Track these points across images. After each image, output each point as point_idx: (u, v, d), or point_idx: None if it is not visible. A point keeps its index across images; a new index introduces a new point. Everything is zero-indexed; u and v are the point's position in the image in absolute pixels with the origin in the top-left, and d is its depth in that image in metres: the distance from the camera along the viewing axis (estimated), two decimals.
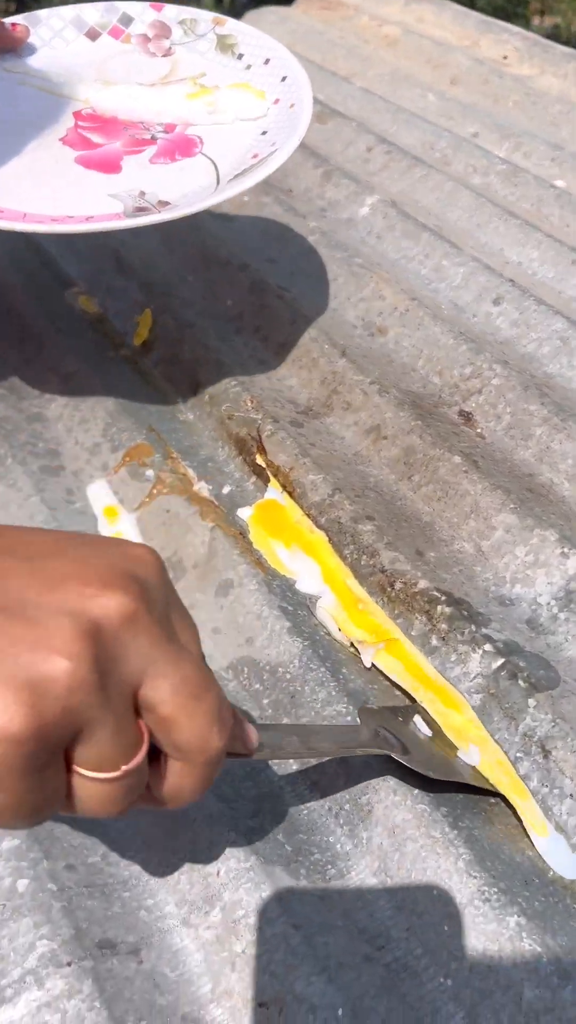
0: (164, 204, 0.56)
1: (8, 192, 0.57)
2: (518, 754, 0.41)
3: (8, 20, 0.68)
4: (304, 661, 0.45)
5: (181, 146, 0.62)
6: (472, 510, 0.52)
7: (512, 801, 0.40)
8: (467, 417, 0.59)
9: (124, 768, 0.27)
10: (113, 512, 0.55)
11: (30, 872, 0.36)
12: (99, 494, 0.56)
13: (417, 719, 0.42)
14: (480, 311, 0.68)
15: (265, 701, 0.44)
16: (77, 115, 0.65)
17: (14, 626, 0.25)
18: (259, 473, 0.56)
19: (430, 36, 1.13)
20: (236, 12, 1.24)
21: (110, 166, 0.60)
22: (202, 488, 0.55)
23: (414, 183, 0.82)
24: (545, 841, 0.39)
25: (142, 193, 0.58)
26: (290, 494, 0.54)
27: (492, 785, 0.40)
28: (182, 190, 0.58)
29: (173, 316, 0.67)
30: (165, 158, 0.61)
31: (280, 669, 0.45)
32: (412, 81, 1.03)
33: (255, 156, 0.59)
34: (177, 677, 0.28)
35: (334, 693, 0.43)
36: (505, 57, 1.07)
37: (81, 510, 0.55)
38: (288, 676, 0.44)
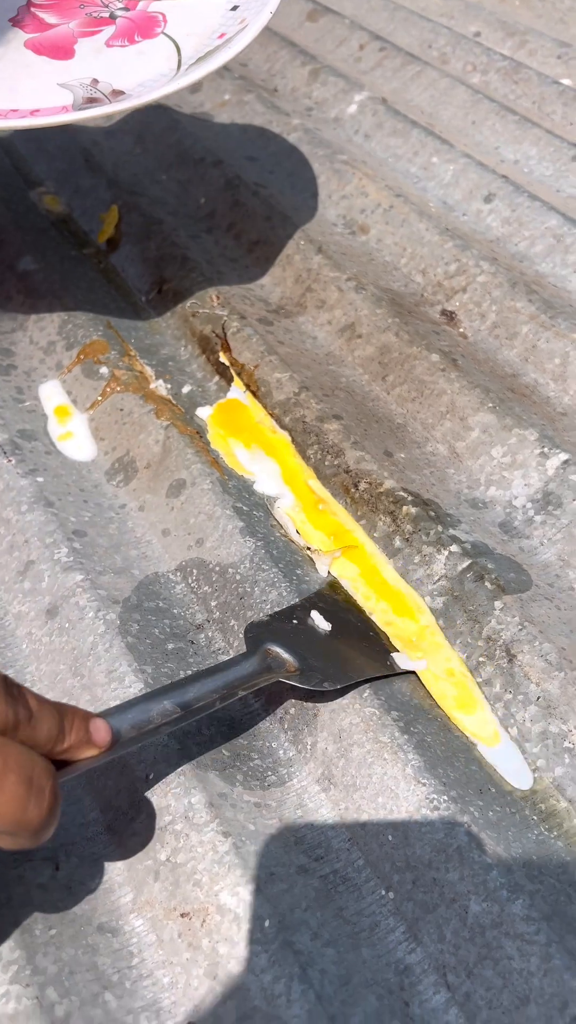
0: (118, 94, 0.51)
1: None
2: (481, 658, 0.38)
3: None
4: (256, 562, 0.41)
5: (142, 26, 0.57)
6: (448, 410, 0.48)
7: (452, 717, 0.37)
8: (450, 316, 0.55)
9: None
10: (65, 411, 0.51)
11: None
12: (51, 393, 0.53)
13: (315, 615, 0.39)
14: (470, 209, 0.63)
15: (213, 603, 0.41)
16: None
17: None
18: (222, 373, 0.53)
19: None
20: None
21: (62, 51, 0.56)
22: (159, 387, 0.51)
23: (407, 81, 0.76)
24: (495, 751, 0.36)
25: (95, 81, 0.53)
26: (254, 393, 0.50)
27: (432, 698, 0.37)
28: (139, 77, 0.53)
29: (142, 214, 0.63)
30: (123, 39, 0.56)
31: (231, 570, 0.42)
32: None
33: (221, 36, 0.53)
34: None
35: (285, 594, 0.40)
36: None
37: (30, 408, 0.51)
38: (238, 577, 0.41)
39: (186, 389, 0.52)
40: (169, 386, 0.51)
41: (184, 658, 0.39)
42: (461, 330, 0.54)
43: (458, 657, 0.38)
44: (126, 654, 0.38)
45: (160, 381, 0.51)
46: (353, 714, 0.35)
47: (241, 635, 0.39)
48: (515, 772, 0.35)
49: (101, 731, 0.30)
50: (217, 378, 0.53)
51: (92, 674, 0.37)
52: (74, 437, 0.50)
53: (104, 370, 0.52)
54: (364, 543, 0.42)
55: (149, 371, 0.52)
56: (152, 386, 0.51)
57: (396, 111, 0.71)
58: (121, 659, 0.37)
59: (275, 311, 0.56)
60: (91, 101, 0.51)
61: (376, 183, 0.63)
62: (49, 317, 0.56)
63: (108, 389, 0.51)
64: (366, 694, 0.36)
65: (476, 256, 0.56)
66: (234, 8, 0.56)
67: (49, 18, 0.57)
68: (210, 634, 0.40)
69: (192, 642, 0.40)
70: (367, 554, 0.42)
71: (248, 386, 0.51)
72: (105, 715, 0.30)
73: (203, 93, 0.76)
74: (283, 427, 0.49)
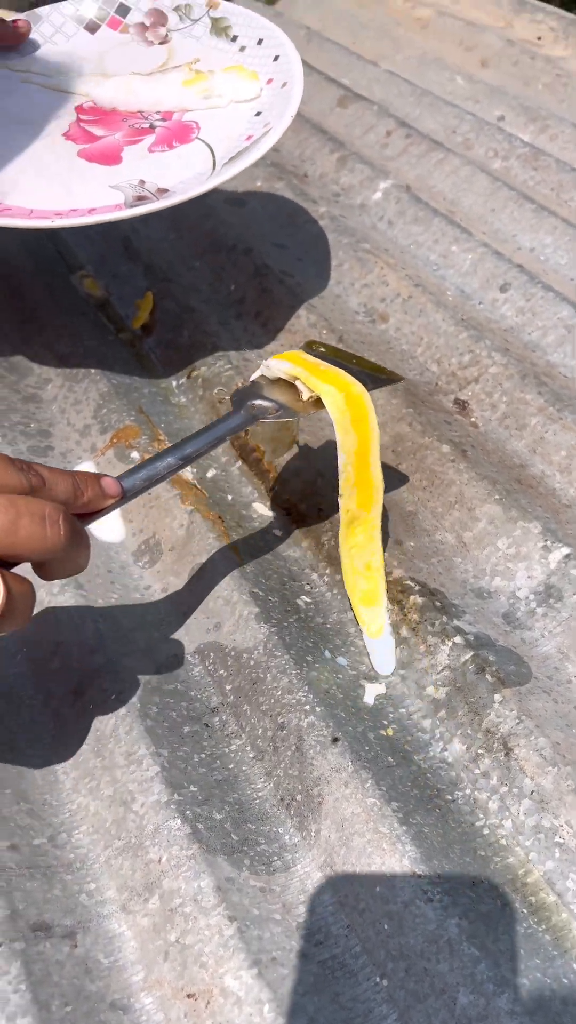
0: (163, 191, 0.57)
1: (15, 189, 0.57)
2: (479, 751, 0.40)
3: (10, 17, 0.68)
4: (269, 648, 0.44)
5: (178, 133, 0.62)
6: (457, 500, 0.51)
7: (354, 605, 0.45)
8: (462, 406, 0.58)
9: None
10: None
11: None
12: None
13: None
14: (486, 298, 0.66)
15: (228, 687, 0.44)
16: (79, 109, 0.65)
17: None
18: (245, 458, 0.56)
19: (463, 17, 1.10)
20: None
21: (111, 158, 0.61)
22: (185, 471, 0.54)
23: (431, 168, 0.80)
24: (375, 641, 0.44)
25: (142, 182, 0.58)
26: (271, 479, 0.53)
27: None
28: (180, 176, 0.58)
29: (175, 300, 0.66)
30: (163, 146, 0.61)
31: (245, 655, 0.44)
32: (441, 64, 1.01)
33: (249, 137, 0.58)
34: None
35: (295, 681, 0.42)
36: (539, 38, 1.04)
37: None
38: (252, 663, 0.44)
39: (210, 473, 0.55)
40: (195, 471, 0.54)
41: (199, 741, 0.41)
42: (472, 419, 0.57)
43: (381, 554, 0.45)
44: (144, 737, 0.40)
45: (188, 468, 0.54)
46: (355, 804, 0.37)
47: (253, 720, 0.42)
48: (382, 661, 0.44)
49: (112, 485, 0.38)
50: (240, 463, 0.56)
51: (112, 756, 0.40)
52: (105, 519, 0.53)
53: (135, 455, 0.55)
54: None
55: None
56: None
57: (418, 199, 0.74)
58: (140, 742, 0.40)
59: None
60: (140, 199, 0.56)
61: (397, 272, 0.66)
62: (85, 400, 0.60)
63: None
64: (368, 784, 0.38)
65: (489, 347, 0.59)
66: (258, 114, 0.61)
67: (96, 131, 0.62)
68: (224, 717, 0.43)
69: (207, 725, 0.42)
70: (368, 438, 0.46)
71: (267, 471, 0.54)
72: (118, 477, 0.38)
73: (237, 179, 0.80)
74: (299, 512, 0.51)
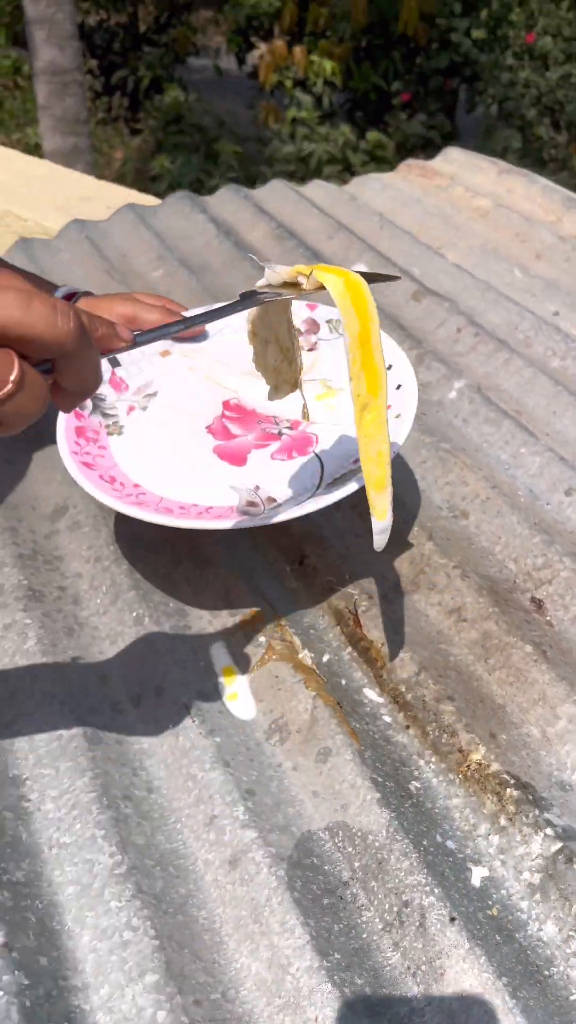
0: (271, 501, 0.67)
1: (152, 470, 0.68)
2: (570, 933, 0.49)
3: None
4: (391, 832, 0.53)
5: (300, 444, 0.72)
6: (540, 698, 0.60)
7: (368, 495, 0.54)
8: (538, 604, 0.68)
9: (12, 379, 0.38)
10: (231, 672, 0.65)
11: (167, 1005, 0.45)
12: (219, 654, 0.66)
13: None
14: (553, 500, 0.77)
15: (356, 864, 0.53)
16: (226, 404, 0.76)
17: None
18: (354, 644, 0.66)
19: (519, 210, 1.25)
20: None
21: (239, 459, 0.71)
22: (305, 656, 0.64)
23: (498, 367, 0.92)
24: (381, 523, 0.54)
25: (257, 487, 0.68)
26: (380, 667, 0.63)
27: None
28: (290, 488, 0.68)
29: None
30: (284, 455, 0.72)
31: (370, 836, 0.53)
32: (500, 255, 1.14)
33: (355, 461, 0.67)
34: (6, 303, 0.38)
35: (415, 864, 0.51)
36: None
37: (205, 668, 0.65)
38: (376, 844, 0.53)
39: (325, 658, 0.65)
40: (312, 655, 0.64)
41: (336, 912, 0.50)
42: (548, 618, 0.67)
43: (388, 441, 0.52)
44: (294, 908, 0.49)
45: (306, 651, 0.65)
46: (472, 977, 0.46)
47: (380, 896, 0.51)
48: (381, 541, 0.54)
49: (125, 332, 0.45)
50: (350, 649, 0.66)
51: (268, 923, 0.49)
52: (239, 698, 0.63)
53: (262, 639, 0.65)
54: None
55: (297, 642, 0.65)
56: (300, 655, 0.64)
57: (489, 399, 0.86)
58: (291, 912, 0.49)
59: (394, 588, 0.70)
60: (251, 504, 0.66)
61: (474, 473, 0.77)
62: (214, 583, 0.70)
63: (265, 656, 0.64)
64: (482, 960, 0.47)
65: (560, 552, 0.69)
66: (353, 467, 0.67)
67: (234, 429, 0.74)
68: (355, 891, 0.52)
69: (341, 898, 0.51)
70: (368, 322, 0.51)
71: (376, 661, 0.64)
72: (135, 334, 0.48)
73: None
74: (405, 703, 0.61)
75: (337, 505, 0.78)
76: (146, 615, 0.67)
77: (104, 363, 0.79)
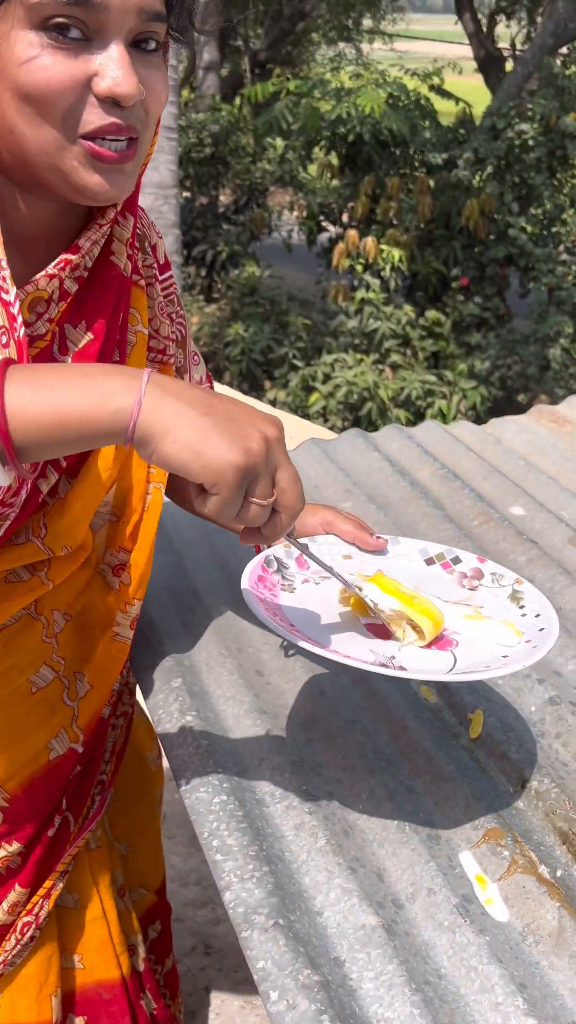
0: (401, 669, 0.80)
1: (311, 623, 0.85)
2: None
3: (376, 536, 0.99)
4: None
5: (440, 642, 0.86)
6: None
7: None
8: None
9: (268, 500, 0.64)
10: (482, 880, 0.81)
11: None
12: (469, 862, 0.82)
13: None
14: None
15: None
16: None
17: (231, 424, 0.63)
18: None
19: None
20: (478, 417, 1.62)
21: (384, 634, 0.87)
22: (544, 871, 0.80)
23: None
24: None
25: (392, 657, 0.83)
26: None
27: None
28: (421, 665, 0.82)
29: (499, 719, 0.95)
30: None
31: None
32: None
33: (487, 666, 0.80)
34: (288, 471, 0.65)
35: None
36: None
37: (459, 875, 0.81)
38: None
39: (559, 873, 0.81)
40: (549, 870, 0.81)
41: None
42: None
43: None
44: None
45: (543, 866, 0.81)
46: None
47: None
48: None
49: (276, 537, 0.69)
50: None
51: None
52: (494, 903, 0.79)
53: (505, 852, 0.82)
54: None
55: (534, 856, 0.82)
56: (539, 870, 0.80)
57: None
58: None
59: None
60: (382, 665, 0.79)
61: None
62: (454, 798, 0.87)
63: (511, 868, 0.81)
64: None
65: None
66: (505, 656, 0.81)
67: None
68: None
69: None
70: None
71: None
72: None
73: None
74: None
75: (558, 736, 0.95)
76: (405, 823, 0.84)
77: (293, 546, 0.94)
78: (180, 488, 1.09)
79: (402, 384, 6.73)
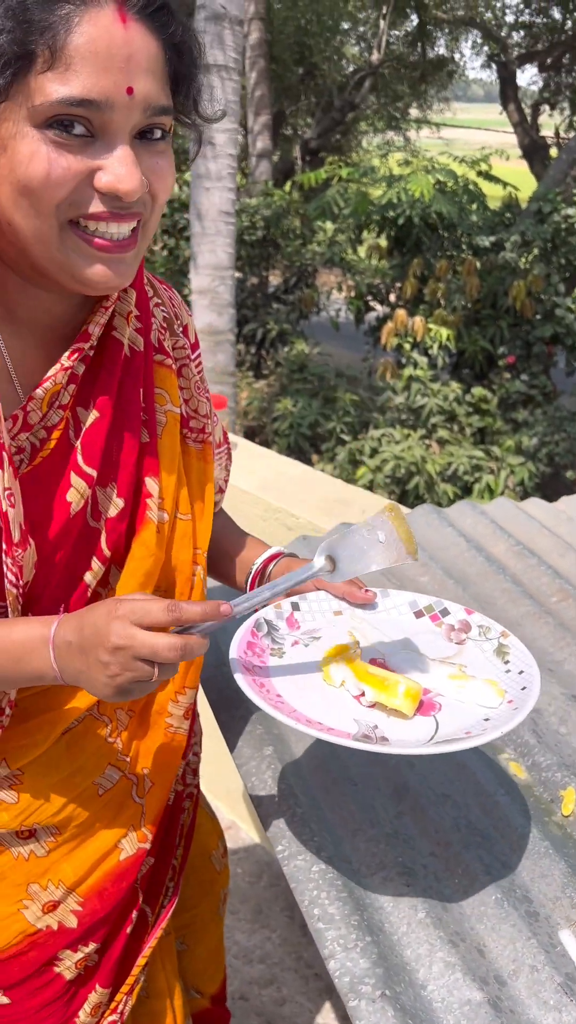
0: (384, 740, 0.79)
1: (297, 691, 0.85)
2: None
3: (364, 588, 0.98)
4: None
5: (423, 707, 0.85)
6: None
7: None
8: None
9: (150, 678, 0.74)
10: None
11: None
12: (570, 941, 0.82)
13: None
14: None
15: None
16: (372, 660, 0.90)
17: (93, 669, 0.75)
18: None
19: None
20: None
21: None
22: None
23: None
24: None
25: (376, 727, 0.81)
26: None
27: None
28: (402, 736, 0.80)
29: None
30: None
31: None
32: None
33: (468, 733, 0.79)
34: (141, 648, 0.73)
35: None
36: None
37: (561, 953, 0.81)
38: None
39: None
40: None
41: None
42: None
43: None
44: None
45: None
46: None
47: None
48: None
49: (225, 607, 0.74)
50: None
51: None
52: None
53: None
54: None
55: None
56: None
57: None
58: None
59: None
60: (365, 737, 0.79)
61: None
62: (551, 875, 0.87)
63: None
64: None
65: None
66: (486, 719, 0.81)
67: None
68: None
69: None
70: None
71: None
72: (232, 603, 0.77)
73: None
74: None
75: None
76: (504, 899, 0.85)
77: (287, 604, 0.96)
78: (220, 566, 1.09)
79: (449, 459, 6.77)
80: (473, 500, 6.79)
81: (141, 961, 0.99)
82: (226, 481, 1.12)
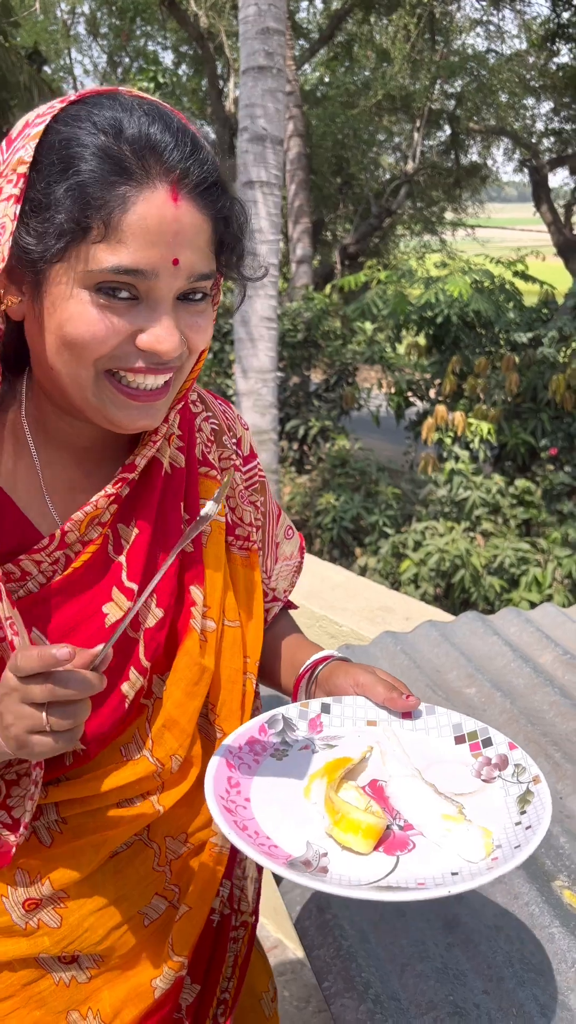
0: (324, 871, 0.73)
1: (277, 806, 0.79)
2: None
3: (407, 695, 0.90)
4: None
5: (393, 843, 0.77)
6: None
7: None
8: None
9: (64, 726, 0.70)
10: None
11: None
12: None
13: None
14: None
15: None
16: (372, 783, 0.84)
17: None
18: None
19: None
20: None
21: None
22: None
23: None
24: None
25: (325, 854, 0.75)
26: None
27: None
28: (347, 871, 0.73)
29: None
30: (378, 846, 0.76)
31: None
32: None
33: (420, 884, 0.71)
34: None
35: None
36: None
37: None
38: None
39: None
40: None
41: None
42: None
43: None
44: None
45: None
46: None
47: None
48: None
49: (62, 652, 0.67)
50: None
51: None
52: None
53: None
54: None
55: None
56: None
57: None
58: None
59: None
60: (305, 863, 0.73)
61: None
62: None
63: None
64: None
65: None
66: (455, 874, 0.72)
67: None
68: None
69: None
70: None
71: None
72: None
73: None
74: None
75: None
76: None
77: (315, 705, 0.91)
78: (270, 668, 1.08)
79: (495, 551, 6.73)
80: (520, 592, 6.68)
81: None
82: (286, 592, 1.14)
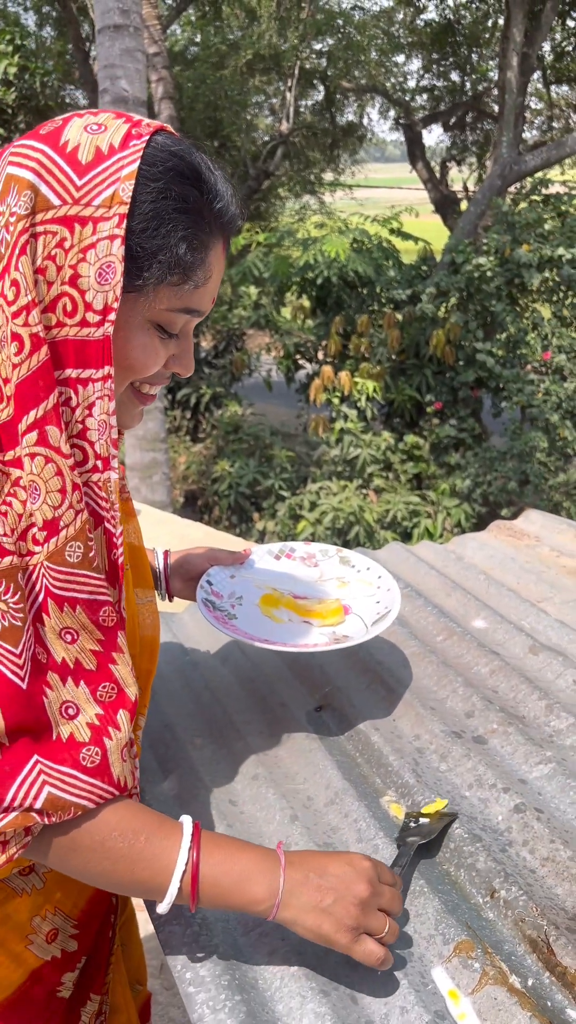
0: (346, 638, 1.13)
1: (284, 637, 1.11)
2: None
3: (243, 549, 1.30)
4: None
5: (345, 609, 1.22)
6: None
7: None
8: None
9: (383, 932, 0.81)
10: (455, 995, 0.81)
11: None
12: (441, 978, 0.83)
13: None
14: None
15: None
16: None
17: (337, 905, 0.80)
18: (551, 969, 0.82)
19: None
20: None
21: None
22: (515, 981, 0.81)
23: None
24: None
25: (333, 633, 1.15)
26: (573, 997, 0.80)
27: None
28: (352, 631, 1.15)
29: (466, 829, 0.97)
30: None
31: None
32: None
33: (379, 615, 1.15)
34: (387, 897, 0.82)
35: None
36: None
37: (432, 991, 0.82)
38: None
39: (530, 982, 0.81)
40: (519, 979, 0.81)
41: None
42: None
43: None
44: None
45: (515, 976, 0.81)
46: None
47: None
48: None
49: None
50: (548, 974, 0.82)
51: None
52: (467, 1017, 0.79)
53: (476, 965, 0.82)
54: None
55: (505, 967, 0.82)
56: (510, 980, 0.81)
57: None
58: None
59: (573, 919, 0.87)
60: (336, 640, 1.12)
61: None
62: (425, 914, 0.88)
63: (482, 980, 0.81)
64: None
65: None
66: (378, 602, 1.20)
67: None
68: None
69: None
70: None
71: (573, 986, 0.80)
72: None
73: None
74: None
75: (525, 844, 0.97)
76: None
77: (204, 583, 1.22)
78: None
79: (387, 507, 6.87)
80: (413, 544, 6.85)
81: (112, 960, 1.04)
82: None
